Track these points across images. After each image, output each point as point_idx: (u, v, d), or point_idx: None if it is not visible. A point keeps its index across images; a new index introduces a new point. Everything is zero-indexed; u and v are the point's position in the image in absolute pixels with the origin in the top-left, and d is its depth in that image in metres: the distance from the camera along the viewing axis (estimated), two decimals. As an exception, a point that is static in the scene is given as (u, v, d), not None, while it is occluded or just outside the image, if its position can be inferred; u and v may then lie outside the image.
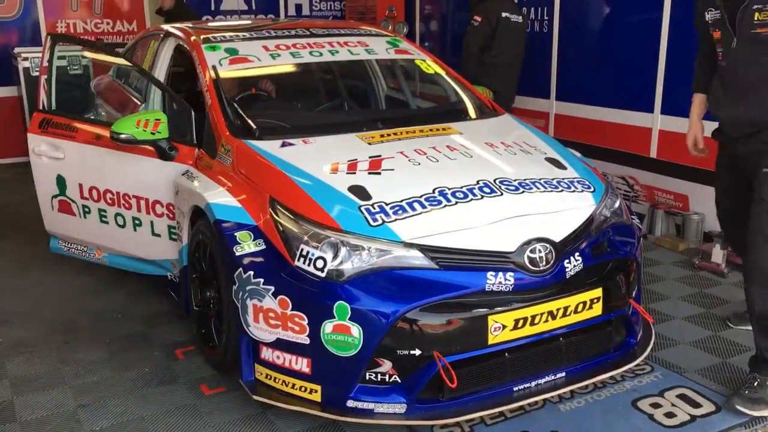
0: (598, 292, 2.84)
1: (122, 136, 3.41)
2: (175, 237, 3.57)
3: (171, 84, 4.04)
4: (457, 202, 2.83)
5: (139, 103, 4.02)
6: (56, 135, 3.94)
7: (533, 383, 2.78)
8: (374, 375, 2.61)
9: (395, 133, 3.40)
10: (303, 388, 2.70)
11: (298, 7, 8.73)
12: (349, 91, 4.58)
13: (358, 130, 3.45)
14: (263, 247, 2.78)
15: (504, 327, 2.65)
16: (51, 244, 4.26)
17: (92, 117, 4.72)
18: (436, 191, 2.87)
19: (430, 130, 3.49)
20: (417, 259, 2.64)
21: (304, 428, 2.78)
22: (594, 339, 2.92)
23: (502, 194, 2.91)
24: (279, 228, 2.77)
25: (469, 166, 3.14)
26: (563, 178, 3.14)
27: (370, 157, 3.11)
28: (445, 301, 2.60)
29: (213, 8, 8.25)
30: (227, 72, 3.68)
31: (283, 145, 3.24)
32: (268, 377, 2.79)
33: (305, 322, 2.61)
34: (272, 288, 2.68)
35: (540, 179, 3.07)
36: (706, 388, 3.02)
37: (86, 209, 3.91)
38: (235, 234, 2.84)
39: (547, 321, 2.72)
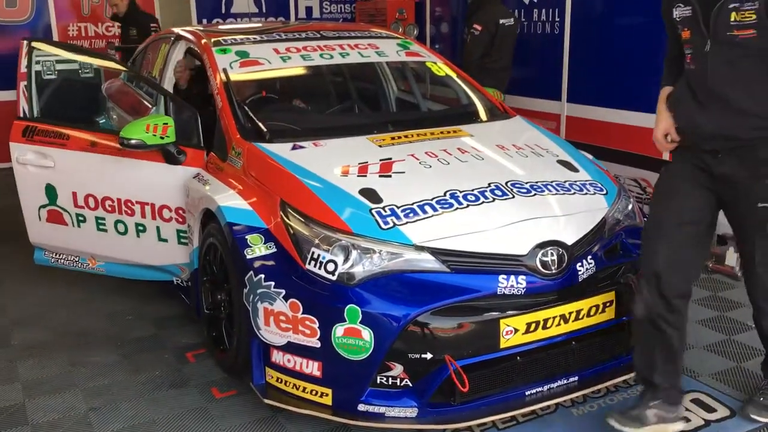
0: (611, 295, 2.82)
1: (132, 141, 3.38)
2: (185, 241, 3.57)
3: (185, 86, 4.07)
4: (468, 205, 2.82)
5: (150, 106, 4.03)
6: (44, 143, 3.80)
7: (546, 387, 2.76)
8: (385, 379, 2.60)
9: (406, 136, 3.40)
10: (314, 392, 2.69)
11: (309, 10, 8.74)
12: (360, 94, 4.58)
13: (369, 132, 3.44)
14: (274, 250, 2.77)
15: (516, 330, 2.64)
16: (35, 256, 4.12)
17: (103, 120, 4.75)
18: (448, 194, 2.86)
19: (441, 132, 3.47)
20: (428, 262, 2.63)
21: (315, 432, 2.78)
22: (607, 342, 2.90)
23: (513, 197, 2.90)
24: (290, 231, 2.76)
25: (481, 168, 3.13)
26: (575, 181, 3.12)
27: (380, 160, 3.10)
28: (457, 304, 2.59)
29: (223, 11, 8.28)
30: (238, 75, 3.68)
31: (294, 147, 3.24)
32: (279, 380, 2.78)
33: (316, 326, 2.61)
34: (283, 291, 2.67)
35: (552, 182, 3.05)
36: (721, 392, 2.99)
37: (81, 218, 3.80)
38: (246, 237, 2.83)
39: (559, 324, 2.70)
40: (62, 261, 4.06)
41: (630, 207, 3.17)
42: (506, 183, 2.97)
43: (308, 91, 4.48)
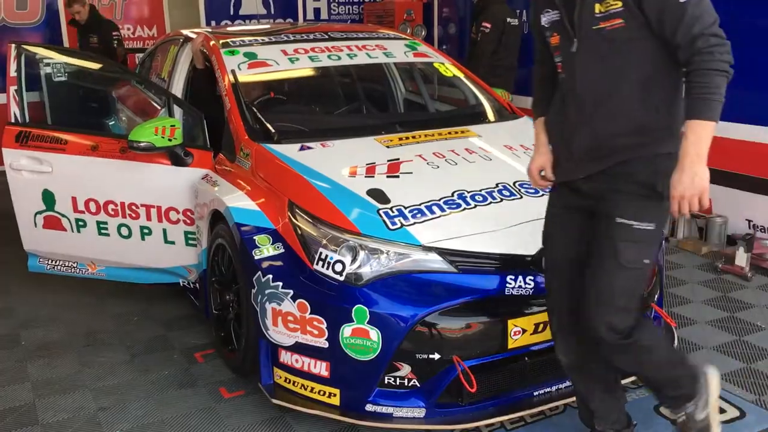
0: (619, 295, 2.80)
1: (142, 144, 3.38)
2: (193, 242, 3.58)
3: (193, 87, 4.08)
4: (476, 205, 2.82)
5: (158, 107, 4.04)
6: (40, 148, 3.70)
7: (554, 388, 2.75)
8: (393, 379, 2.60)
9: (414, 137, 3.40)
10: (322, 392, 2.70)
11: (317, 11, 8.75)
12: (368, 95, 4.58)
13: (377, 133, 3.44)
14: (282, 250, 2.78)
15: (524, 331, 2.63)
16: (30, 264, 4.02)
17: (112, 122, 4.76)
18: (455, 194, 2.86)
19: (449, 133, 3.47)
20: (436, 262, 2.63)
21: (323, 432, 2.78)
22: (615, 343, 2.88)
23: (521, 197, 2.89)
24: (298, 231, 2.77)
25: (488, 168, 3.13)
26: (583, 181, 3.10)
27: (388, 161, 3.11)
28: (464, 304, 2.59)
29: (232, 13, 8.30)
30: (246, 76, 3.69)
31: (302, 148, 3.24)
32: (287, 381, 2.79)
33: (324, 326, 2.61)
34: (291, 291, 2.68)
35: (560, 182, 3.04)
36: (731, 393, 2.97)
37: (81, 223, 3.74)
38: (254, 237, 2.84)
39: (567, 325, 2.69)
40: (59, 267, 3.97)
41: (638, 207, 3.15)
42: (514, 183, 2.97)
43: (316, 92, 4.49)
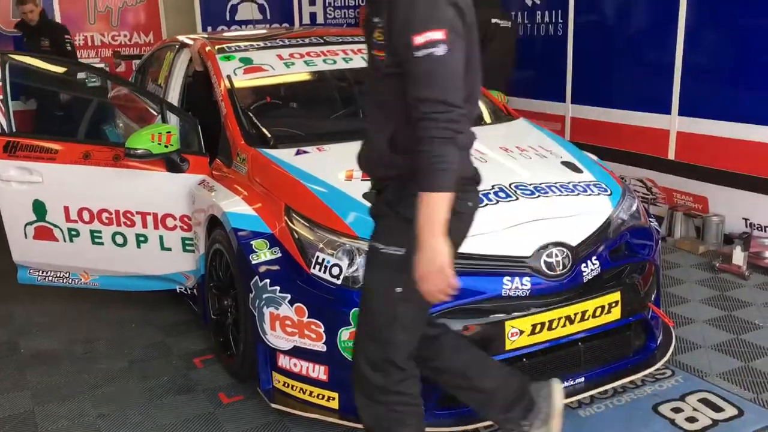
0: (616, 295, 2.81)
1: (139, 151, 3.37)
2: (190, 248, 3.58)
3: (190, 93, 4.08)
4: (472, 208, 2.81)
5: (155, 113, 4.04)
6: (29, 158, 3.64)
7: (552, 389, 2.75)
8: (391, 382, 2.59)
9: (409, 139, 3.39)
10: (320, 396, 2.70)
11: (313, 16, 8.76)
12: (363, 99, 4.58)
13: (373, 136, 3.44)
14: (279, 255, 2.78)
15: (521, 332, 2.63)
16: (19, 275, 3.96)
17: (111, 128, 4.77)
18: (451, 197, 2.86)
19: (445, 135, 3.47)
20: (432, 265, 2.63)
21: (322, 436, 2.79)
22: (613, 343, 2.89)
23: (518, 199, 2.90)
24: (294, 236, 2.77)
25: (485, 170, 3.11)
26: (579, 182, 3.11)
27: (384, 164, 3.10)
28: (462, 306, 2.59)
29: (228, 18, 8.29)
30: (242, 81, 3.70)
31: (298, 153, 3.25)
32: (286, 385, 2.79)
33: (322, 330, 2.61)
34: (288, 296, 2.68)
35: (556, 183, 3.05)
36: (729, 392, 2.98)
37: (74, 232, 3.70)
38: (251, 242, 2.85)
39: (564, 326, 2.70)
40: (50, 278, 3.93)
41: (635, 207, 3.16)
42: (510, 185, 2.97)
43: (312, 97, 4.49)
